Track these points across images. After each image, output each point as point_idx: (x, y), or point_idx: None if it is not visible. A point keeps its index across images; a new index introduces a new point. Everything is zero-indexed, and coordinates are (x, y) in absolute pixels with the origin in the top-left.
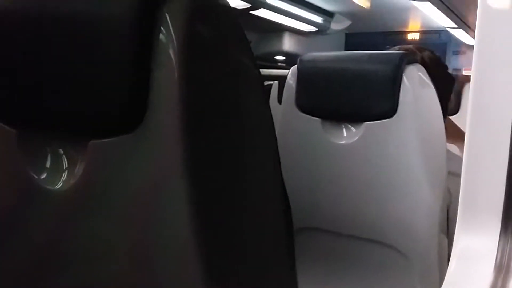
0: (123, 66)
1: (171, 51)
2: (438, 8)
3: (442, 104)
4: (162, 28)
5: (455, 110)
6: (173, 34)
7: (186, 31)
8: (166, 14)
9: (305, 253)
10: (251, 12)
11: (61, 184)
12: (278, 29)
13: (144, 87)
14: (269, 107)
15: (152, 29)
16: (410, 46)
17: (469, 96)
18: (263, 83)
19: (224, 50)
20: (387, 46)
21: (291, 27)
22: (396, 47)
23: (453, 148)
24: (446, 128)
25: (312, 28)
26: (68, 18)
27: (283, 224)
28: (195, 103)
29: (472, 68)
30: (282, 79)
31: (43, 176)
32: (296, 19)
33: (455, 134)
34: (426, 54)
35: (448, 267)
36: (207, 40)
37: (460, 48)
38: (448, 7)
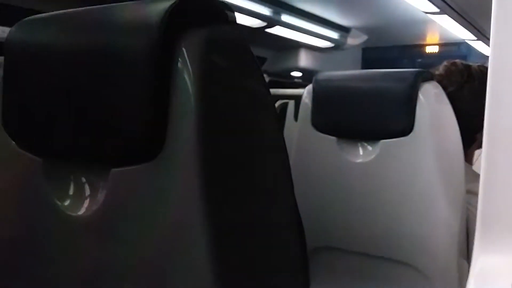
0: (143, 97)
1: (188, 82)
2: (455, 20)
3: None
4: (179, 59)
5: None
6: (189, 66)
7: (202, 62)
8: (183, 47)
9: (322, 273)
10: (267, 30)
11: (83, 211)
12: (294, 46)
13: (162, 117)
14: (282, 130)
15: (170, 61)
16: (462, 62)
17: (485, 112)
18: (275, 108)
19: (238, 79)
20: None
21: (307, 43)
22: (452, 61)
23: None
24: None
25: (328, 44)
26: (90, 52)
27: (297, 245)
28: (211, 132)
29: (488, 85)
30: (298, 98)
31: (67, 203)
32: (312, 35)
33: None
34: (475, 76)
35: (467, 286)
36: (222, 70)
37: (482, 60)
38: (466, 19)
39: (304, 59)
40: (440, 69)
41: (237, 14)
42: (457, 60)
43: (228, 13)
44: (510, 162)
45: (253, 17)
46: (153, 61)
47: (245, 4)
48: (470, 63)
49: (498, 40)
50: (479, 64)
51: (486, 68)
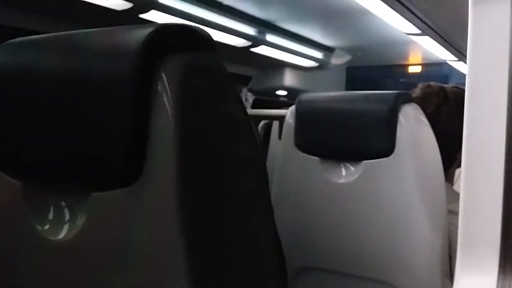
0: (122, 122)
1: (167, 105)
2: (437, 41)
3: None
4: (158, 84)
5: None
6: (168, 89)
7: (180, 87)
8: (162, 72)
9: None
10: (252, 49)
11: (63, 235)
12: (279, 65)
13: (142, 141)
14: (260, 153)
15: (149, 86)
16: (437, 84)
17: (463, 132)
18: (253, 130)
19: (217, 103)
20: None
21: (292, 63)
22: (427, 83)
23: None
24: None
25: (312, 64)
26: (70, 76)
27: (276, 268)
28: (190, 154)
29: (465, 104)
30: (282, 118)
31: (46, 227)
32: (296, 55)
33: None
34: (450, 97)
35: None
36: (201, 94)
37: (463, 80)
38: (446, 41)
39: (289, 78)
40: (417, 92)
41: (223, 34)
42: (432, 83)
43: (207, 39)
44: (489, 182)
45: (239, 36)
46: (133, 86)
47: (231, 24)
48: (444, 85)
49: (474, 61)
50: (453, 85)
51: (460, 89)
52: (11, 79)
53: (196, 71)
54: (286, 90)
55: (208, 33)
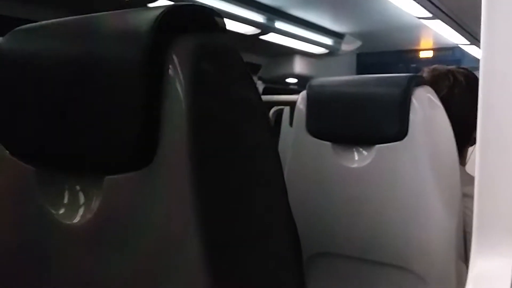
0: (134, 105)
1: (179, 88)
2: (448, 25)
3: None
4: (170, 67)
5: None
6: (180, 73)
7: (192, 69)
8: (173, 54)
9: (319, 279)
10: (261, 37)
11: (78, 219)
12: (289, 52)
13: (154, 124)
14: (273, 136)
15: (160, 69)
16: (443, 67)
17: (478, 115)
18: (266, 113)
19: (228, 85)
20: (400, 65)
21: (302, 50)
22: (431, 67)
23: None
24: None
25: (322, 50)
26: (81, 61)
27: (292, 251)
28: (203, 137)
29: (480, 87)
30: (293, 104)
31: (61, 211)
32: (306, 42)
33: None
34: (460, 79)
35: None
36: (213, 76)
37: (476, 64)
38: (458, 24)
39: (298, 66)
40: (425, 76)
41: (231, 22)
42: (436, 66)
43: (218, 20)
44: (504, 164)
45: (247, 24)
46: (144, 69)
47: (239, 12)
48: (449, 67)
49: (488, 43)
50: (456, 66)
51: (467, 69)
52: (21, 65)
53: (208, 53)
54: (296, 78)
55: (218, 13)
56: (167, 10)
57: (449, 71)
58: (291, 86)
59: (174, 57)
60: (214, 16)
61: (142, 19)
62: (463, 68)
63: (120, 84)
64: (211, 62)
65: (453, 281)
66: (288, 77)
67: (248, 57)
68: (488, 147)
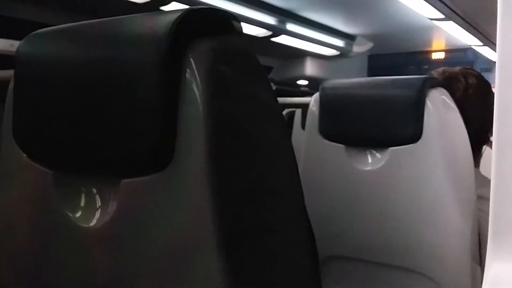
0: (152, 108)
1: (196, 91)
2: (461, 26)
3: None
4: (187, 70)
5: None
6: (197, 76)
7: (209, 72)
8: (191, 57)
9: (334, 282)
10: (272, 39)
11: (94, 222)
12: (300, 54)
13: (172, 128)
14: (290, 139)
15: (178, 72)
16: (455, 69)
17: (494, 118)
18: (283, 116)
19: (246, 88)
20: (412, 66)
21: (313, 52)
22: (440, 70)
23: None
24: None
25: (334, 52)
26: (99, 65)
27: (308, 253)
28: (220, 141)
29: (496, 90)
30: (305, 106)
31: (78, 214)
32: (317, 44)
33: None
34: (472, 79)
35: None
36: (230, 80)
37: (489, 66)
38: (471, 25)
39: (310, 68)
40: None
41: (243, 24)
42: (444, 67)
43: (234, 23)
44: None
45: (259, 26)
46: (161, 72)
47: (250, 14)
48: (455, 68)
49: (505, 44)
50: (462, 67)
51: (475, 70)
52: (39, 69)
53: (225, 56)
54: (307, 80)
55: (234, 16)
56: (184, 14)
57: (459, 72)
58: (302, 88)
59: (192, 61)
60: (231, 19)
61: (159, 23)
62: (471, 69)
63: (137, 88)
64: (228, 66)
65: (468, 286)
66: (299, 79)
67: (260, 59)
68: (505, 149)
